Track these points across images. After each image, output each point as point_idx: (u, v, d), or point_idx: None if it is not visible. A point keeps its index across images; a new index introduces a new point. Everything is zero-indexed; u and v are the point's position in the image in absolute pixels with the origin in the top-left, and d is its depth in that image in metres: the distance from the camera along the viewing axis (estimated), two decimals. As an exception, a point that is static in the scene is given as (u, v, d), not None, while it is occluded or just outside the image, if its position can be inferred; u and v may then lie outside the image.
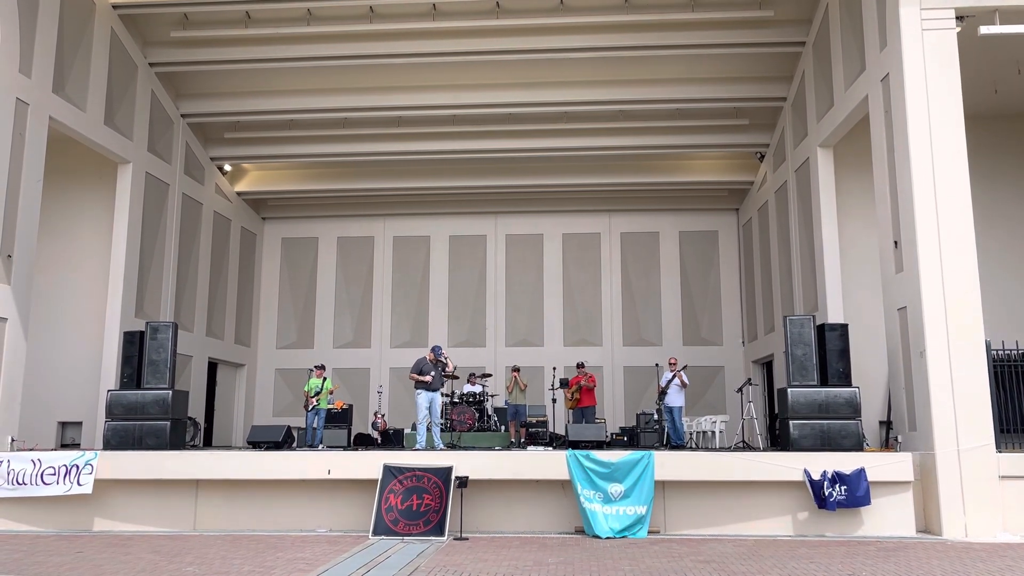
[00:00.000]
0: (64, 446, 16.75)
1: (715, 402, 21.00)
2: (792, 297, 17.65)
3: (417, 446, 13.24)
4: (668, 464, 11.52)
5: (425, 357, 13.62)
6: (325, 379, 15.27)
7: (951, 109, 12.01)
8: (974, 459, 11.11)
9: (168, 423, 12.94)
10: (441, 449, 12.96)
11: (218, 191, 20.76)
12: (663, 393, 14.69)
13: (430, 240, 23.09)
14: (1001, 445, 11.42)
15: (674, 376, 14.44)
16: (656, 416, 16.14)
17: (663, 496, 11.61)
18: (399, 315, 22.74)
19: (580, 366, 15.99)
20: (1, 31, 13.26)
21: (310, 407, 14.98)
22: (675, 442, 14.35)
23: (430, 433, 13.26)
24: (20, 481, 11.96)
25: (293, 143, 20.14)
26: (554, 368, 18.62)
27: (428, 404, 13.30)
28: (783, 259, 18.38)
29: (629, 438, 16.53)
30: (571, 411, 15.72)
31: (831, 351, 12.42)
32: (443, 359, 13.56)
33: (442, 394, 13.96)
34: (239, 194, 21.73)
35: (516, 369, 16.67)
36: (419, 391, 13.38)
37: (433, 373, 13.36)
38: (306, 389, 15.28)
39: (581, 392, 15.32)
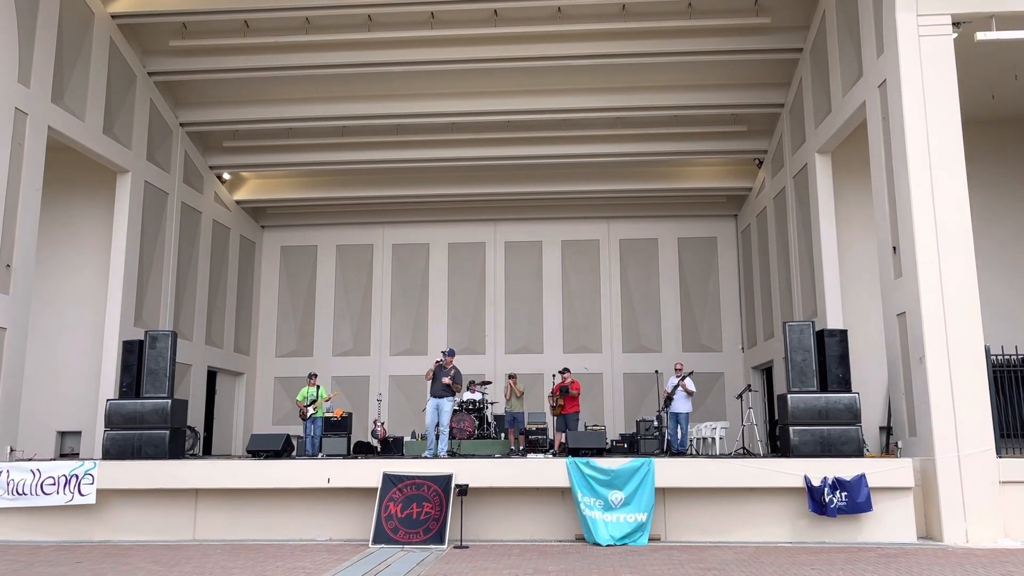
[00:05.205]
0: (63, 456, 16.72)
1: (715, 408, 20.95)
2: (791, 303, 17.65)
3: (425, 454, 13.23)
4: (668, 471, 11.50)
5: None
6: (319, 387, 15.24)
7: (948, 114, 12.05)
8: (975, 464, 11.10)
9: (167, 432, 12.90)
10: (441, 456, 12.93)
11: (217, 199, 20.77)
12: (669, 399, 14.59)
13: (429, 247, 23.09)
14: (1001, 450, 11.42)
15: (679, 383, 14.37)
16: (656, 423, 16.09)
17: (664, 503, 11.58)
18: (398, 323, 22.72)
19: (564, 372, 15.80)
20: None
21: (307, 416, 14.97)
22: (676, 449, 14.31)
23: (437, 440, 13.24)
24: (20, 491, 11.93)
25: (292, 151, 20.16)
26: (553, 375, 18.59)
27: (432, 411, 13.30)
28: (782, 265, 18.39)
29: (629, 445, 16.51)
30: (555, 419, 15.47)
31: (831, 357, 12.41)
32: (440, 363, 13.46)
33: (453, 401, 13.73)
34: (238, 202, 21.74)
35: (512, 376, 16.62)
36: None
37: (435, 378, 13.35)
38: (298, 399, 15.26)
39: (565, 399, 15.14)
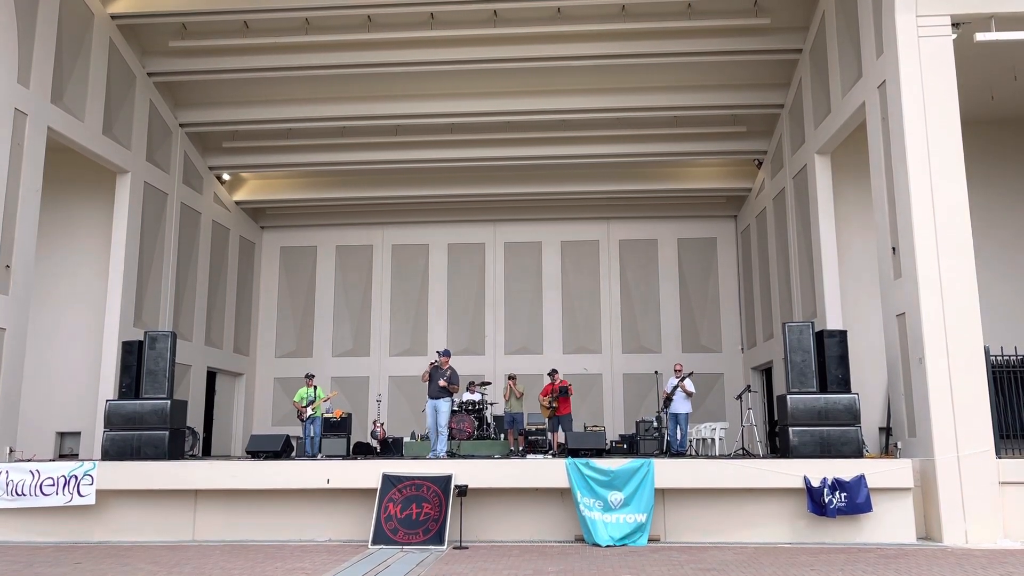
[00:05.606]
0: (62, 456, 16.72)
1: (715, 409, 20.95)
2: (791, 303, 17.65)
3: (429, 455, 13.23)
4: (668, 472, 11.50)
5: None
6: (316, 388, 15.22)
7: (948, 115, 12.05)
8: (974, 465, 11.10)
9: (167, 433, 12.90)
10: (441, 457, 12.92)
11: (216, 200, 20.77)
12: (668, 400, 14.58)
13: (429, 248, 23.08)
14: (1001, 451, 11.42)
15: (678, 384, 14.36)
16: (656, 423, 16.07)
17: (663, 504, 11.58)
18: (398, 323, 22.71)
19: (553, 373, 15.81)
20: None
21: (305, 417, 14.94)
22: (676, 449, 14.30)
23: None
24: (19, 492, 11.93)
25: (291, 152, 20.15)
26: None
27: (431, 412, 13.31)
28: (782, 265, 18.39)
29: (629, 446, 16.50)
30: (548, 420, 15.39)
31: (830, 357, 12.41)
32: (436, 364, 13.47)
33: (450, 402, 13.72)
34: (237, 203, 21.73)
35: (512, 377, 16.60)
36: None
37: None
38: (296, 399, 15.23)
39: (560, 400, 15.10)
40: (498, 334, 22.40)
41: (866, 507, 11.03)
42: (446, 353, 13.57)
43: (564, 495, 11.65)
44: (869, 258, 15.30)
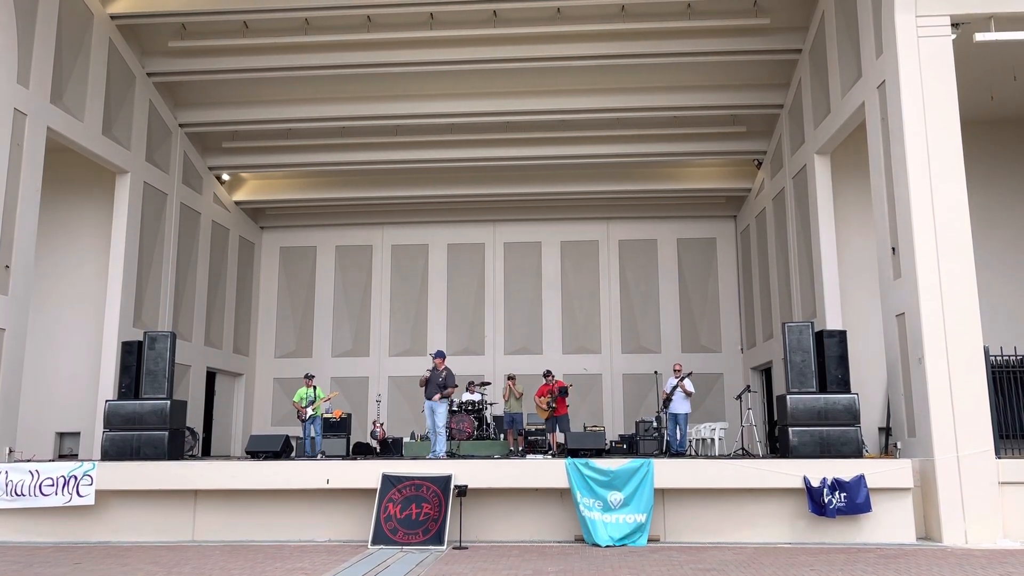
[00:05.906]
0: (62, 457, 16.72)
1: (714, 409, 20.95)
2: (791, 304, 17.65)
3: (429, 455, 13.23)
4: (668, 472, 11.50)
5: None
6: (315, 388, 15.20)
7: (947, 115, 12.06)
8: (974, 465, 11.10)
9: (166, 433, 12.90)
10: (440, 457, 12.92)
11: (216, 200, 20.76)
12: (668, 400, 14.57)
13: (428, 248, 23.08)
14: (1000, 451, 11.42)
15: (678, 384, 14.36)
16: (655, 423, 16.08)
17: (663, 504, 11.58)
18: (398, 324, 22.71)
19: (547, 375, 15.81)
20: (-1, 42, 13.31)
21: (305, 417, 14.92)
22: (675, 449, 14.30)
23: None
24: (19, 492, 11.93)
25: (291, 152, 20.15)
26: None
27: (428, 413, 13.31)
28: (781, 266, 18.39)
29: (628, 446, 16.50)
30: (546, 421, 15.47)
31: (830, 357, 12.41)
32: (432, 368, 13.46)
33: (449, 403, 13.69)
34: (237, 203, 21.73)
35: (511, 377, 16.58)
36: None
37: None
38: (295, 400, 15.21)
39: (557, 401, 15.08)
40: (498, 334, 22.40)
41: (866, 507, 11.03)
42: (440, 354, 13.55)
43: (564, 495, 11.65)
44: (869, 258, 15.30)
